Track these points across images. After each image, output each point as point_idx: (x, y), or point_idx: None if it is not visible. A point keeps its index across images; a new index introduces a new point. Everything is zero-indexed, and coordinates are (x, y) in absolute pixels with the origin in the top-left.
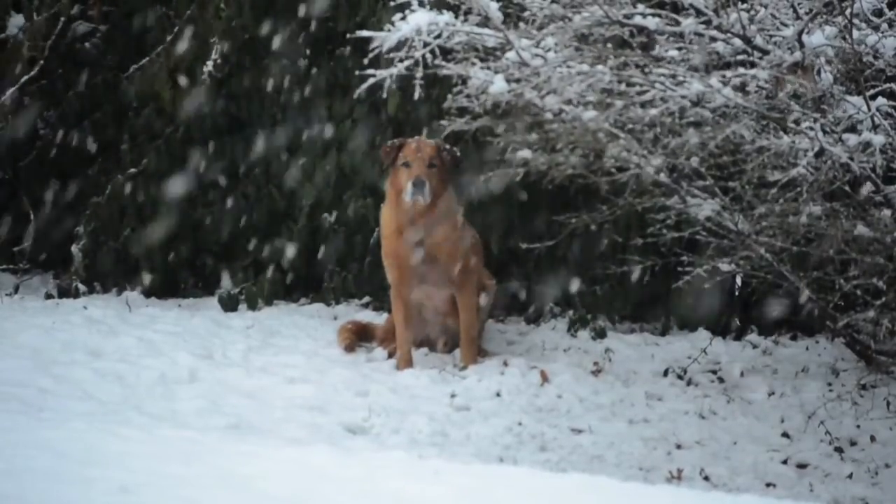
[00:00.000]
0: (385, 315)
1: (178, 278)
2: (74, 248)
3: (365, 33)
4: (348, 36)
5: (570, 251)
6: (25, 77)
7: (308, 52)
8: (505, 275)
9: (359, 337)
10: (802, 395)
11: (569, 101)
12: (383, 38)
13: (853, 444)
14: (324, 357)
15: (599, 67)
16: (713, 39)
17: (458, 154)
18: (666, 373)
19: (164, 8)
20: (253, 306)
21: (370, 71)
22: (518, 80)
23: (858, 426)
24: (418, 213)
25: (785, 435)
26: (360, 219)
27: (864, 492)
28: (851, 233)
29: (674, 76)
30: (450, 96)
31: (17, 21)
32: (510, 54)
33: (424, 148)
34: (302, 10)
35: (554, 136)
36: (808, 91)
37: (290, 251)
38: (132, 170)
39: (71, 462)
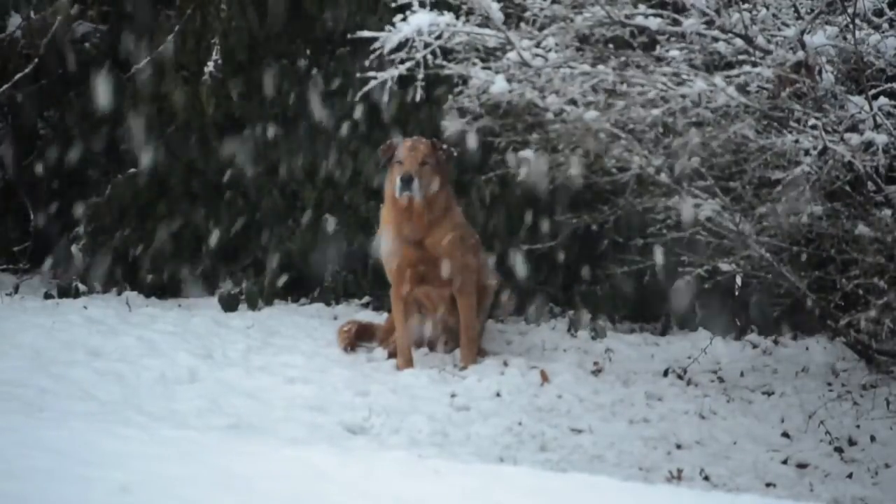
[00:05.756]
0: (385, 315)
1: (178, 278)
2: (74, 248)
3: (366, 34)
4: (349, 36)
5: (570, 251)
6: (19, 74)
7: (308, 52)
8: (505, 275)
9: (359, 337)
10: (802, 395)
11: (570, 102)
12: (384, 39)
13: (853, 444)
14: (324, 357)
15: (601, 67)
16: (715, 39)
17: (454, 152)
18: (666, 373)
19: (164, 8)
20: (253, 306)
21: (371, 73)
22: (519, 81)
23: (858, 426)
24: (417, 213)
25: (785, 435)
26: (361, 219)
27: (864, 492)
28: (852, 232)
29: (677, 75)
30: (450, 96)
31: (17, 20)
32: (511, 54)
33: (418, 145)
34: (303, 10)
35: (555, 136)
36: (809, 91)
37: (291, 251)
38: (132, 170)
39: (71, 462)
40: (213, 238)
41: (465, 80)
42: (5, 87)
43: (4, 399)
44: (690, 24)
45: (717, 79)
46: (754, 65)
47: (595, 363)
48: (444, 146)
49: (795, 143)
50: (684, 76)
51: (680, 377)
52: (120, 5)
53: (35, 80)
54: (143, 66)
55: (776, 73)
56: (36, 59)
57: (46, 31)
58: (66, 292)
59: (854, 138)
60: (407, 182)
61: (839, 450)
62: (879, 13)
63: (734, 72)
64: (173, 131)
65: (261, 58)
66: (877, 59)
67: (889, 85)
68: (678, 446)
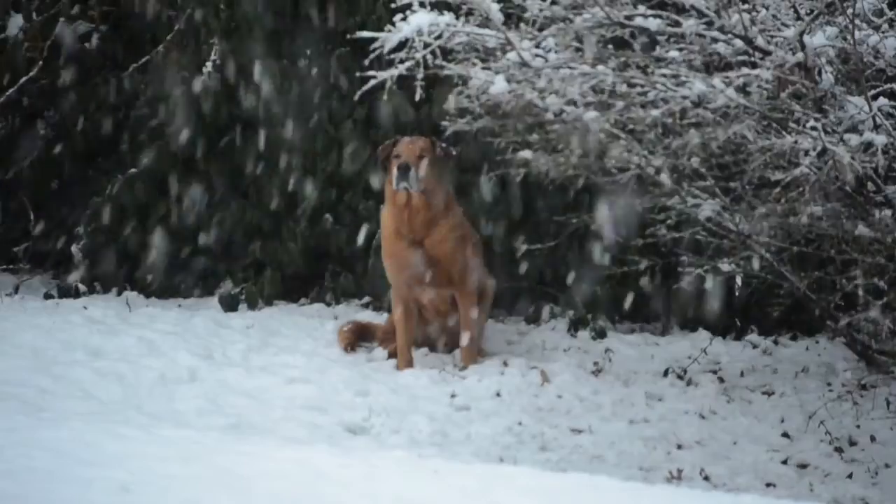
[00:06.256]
0: (385, 315)
1: (178, 278)
2: (74, 248)
3: (366, 34)
4: (348, 36)
5: (570, 251)
6: (24, 78)
7: (308, 51)
8: (505, 275)
9: (359, 337)
10: (802, 395)
11: (570, 102)
12: (384, 39)
13: (853, 444)
14: (324, 357)
15: (600, 68)
16: (714, 40)
17: (453, 150)
18: (666, 373)
19: (165, 8)
20: (253, 306)
21: (371, 72)
22: (519, 81)
23: (858, 426)
24: (416, 211)
25: (785, 435)
26: (361, 219)
27: (864, 492)
28: (852, 233)
29: (676, 76)
30: (450, 97)
31: (17, 21)
32: (511, 55)
33: (416, 142)
34: (302, 10)
35: (555, 136)
36: (809, 91)
37: (291, 251)
38: (132, 170)
39: (71, 462)
40: (214, 238)
41: (464, 81)
42: (10, 91)
43: (4, 399)
44: (690, 25)
45: (716, 80)
46: (754, 65)
47: (595, 363)
48: (444, 145)
49: (795, 144)
50: (683, 77)
51: (680, 377)
52: (120, 5)
53: (35, 81)
54: (143, 66)
55: (775, 75)
56: (40, 63)
57: (48, 32)
58: (66, 292)
59: (853, 139)
60: (404, 171)
61: (839, 450)
62: (879, 13)
63: (733, 73)
64: (173, 131)
65: (261, 57)
66: (876, 60)
67: (889, 85)
68: (678, 446)
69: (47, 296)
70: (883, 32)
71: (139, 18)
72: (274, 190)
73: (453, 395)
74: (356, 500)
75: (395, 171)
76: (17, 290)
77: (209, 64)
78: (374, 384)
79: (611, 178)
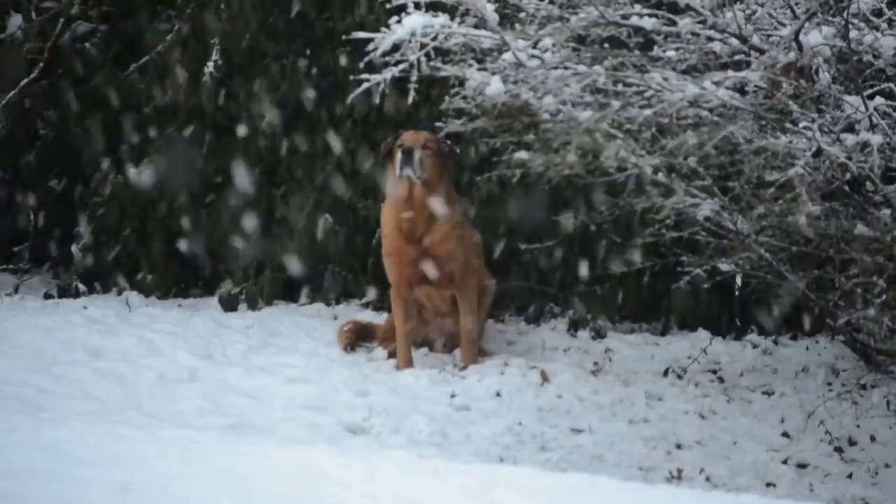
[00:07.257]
0: (385, 315)
1: (178, 278)
2: (74, 248)
3: (361, 35)
4: (345, 37)
5: (569, 251)
6: (25, 80)
7: (308, 52)
8: (505, 275)
9: (359, 337)
10: (802, 395)
11: (565, 102)
12: (378, 41)
13: (853, 443)
14: (324, 357)
15: (596, 68)
16: (710, 39)
17: (456, 150)
18: (666, 373)
19: (165, 8)
20: (253, 306)
21: (365, 75)
22: (515, 82)
23: (858, 426)
24: (418, 205)
25: (785, 435)
26: (361, 219)
27: (864, 492)
28: (851, 232)
29: (666, 80)
30: (447, 98)
31: (17, 20)
32: (507, 55)
33: (420, 133)
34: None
35: (551, 136)
36: (806, 91)
37: (290, 251)
38: (132, 169)
39: (71, 462)
40: (213, 238)
41: (461, 82)
42: (12, 93)
43: (4, 399)
44: (685, 24)
45: (707, 82)
46: (750, 65)
47: (595, 363)
48: (447, 142)
49: (790, 144)
50: (675, 81)
51: (680, 377)
52: (121, 5)
53: (35, 81)
54: (143, 66)
55: (764, 76)
56: (41, 64)
57: (48, 32)
58: (66, 292)
59: (850, 139)
60: (408, 156)
61: (839, 450)
62: (877, 13)
63: (727, 74)
64: (173, 131)
65: (260, 58)
66: (875, 60)
67: (886, 85)
68: (678, 446)
69: (47, 296)
70: (880, 32)
71: (139, 18)
72: (273, 189)
73: (453, 395)
74: (356, 500)
75: (399, 157)
76: (17, 290)
77: (210, 64)
78: (374, 384)
79: (608, 177)
